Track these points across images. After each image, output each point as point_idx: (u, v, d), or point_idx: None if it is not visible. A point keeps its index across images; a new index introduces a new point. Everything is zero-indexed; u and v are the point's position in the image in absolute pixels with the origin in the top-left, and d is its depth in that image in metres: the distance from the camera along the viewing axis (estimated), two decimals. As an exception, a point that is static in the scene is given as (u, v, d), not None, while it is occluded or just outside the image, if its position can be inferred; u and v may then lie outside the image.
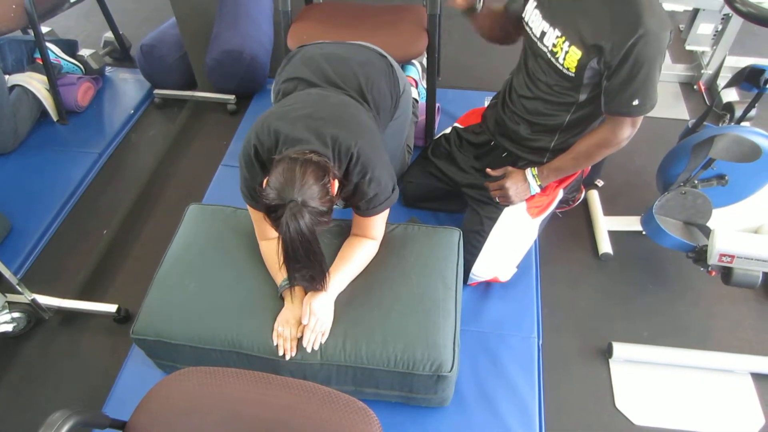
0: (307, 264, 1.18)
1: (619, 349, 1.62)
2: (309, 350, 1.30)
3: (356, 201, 1.35)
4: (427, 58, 2.02)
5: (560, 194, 1.71)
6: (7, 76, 2.31)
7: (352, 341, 1.31)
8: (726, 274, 1.53)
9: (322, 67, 1.47)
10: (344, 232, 1.48)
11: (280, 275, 1.37)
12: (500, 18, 1.63)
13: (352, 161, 1.27)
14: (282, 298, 1.36)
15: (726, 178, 1.60)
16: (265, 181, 1.18)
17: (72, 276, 1.90)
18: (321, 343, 1.31)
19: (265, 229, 1.39)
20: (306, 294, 1.34)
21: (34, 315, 1.75)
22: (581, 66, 1.35)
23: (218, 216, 1.58)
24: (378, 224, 1.42)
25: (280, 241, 1.14)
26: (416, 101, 2.15)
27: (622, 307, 1.78)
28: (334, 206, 1.23)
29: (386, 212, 1.41)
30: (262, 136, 1.28)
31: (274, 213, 1.14)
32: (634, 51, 1.25)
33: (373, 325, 1.33)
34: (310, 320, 1.29)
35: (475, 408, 1.50)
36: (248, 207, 1.42)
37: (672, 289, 1.82)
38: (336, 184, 1.23)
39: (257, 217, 1.40)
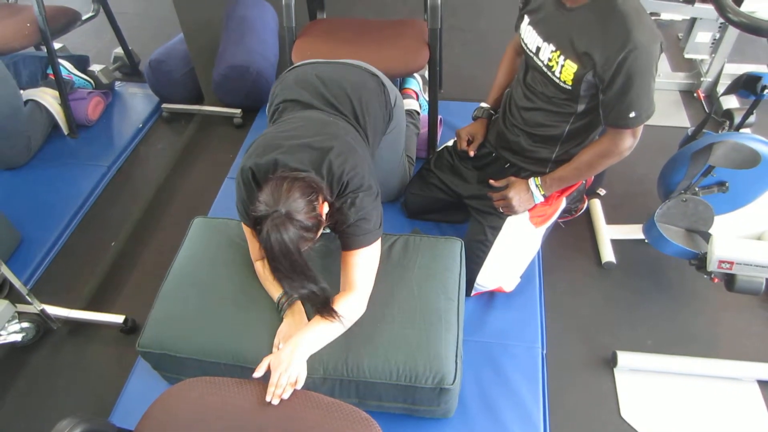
0: (292, 276, 1.17)
1: (624, 358, 1.62)
2: (275, 403, 1.13)
3: (340, 227, 1.32)
4: (429, 72, 2.04)
5: (563, 203, 1.72)
6: (21, 91, 2.36)
7: (354, 354, 1.31)
8: (729, 281, 1.53)
9: (317, 89, 1.49)
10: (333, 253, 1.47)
11: (275, 292, 1.38)
12: (515, 48, 1.71)
13: (342, 187, 1.29)
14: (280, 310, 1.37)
15: (726, 185, 1.61)
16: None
17: (80, 287, 1.93)
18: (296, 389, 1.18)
19: (258, 248, 1.40)
20: (304, 309, 1.36)
21: (42, 325, 1.78)
22: (577, 79, 1.37)
23: (223, 229, 1.60)
24: (362, 266, 1.33)
25: (263, 253, 1.15)
26: (418, 113, 2.18)
27: (626, 315, 1.78)
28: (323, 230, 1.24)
29: (373, 256, 1.36)
30: (259, 159, 1.30)
31: (259, 226, 1.15)
32: (625, 64, 1.27)
33: (374, 338, 1.33)
34: (272, 375, 1.18)
35: (479, 419, 1.50)
36: (243, 226, 1.44)
37: (676, 297, 1.82)
38: (325, 206, 1.24)
39: (252, 237, 1.42)
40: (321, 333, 1.29)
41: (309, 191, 1.18)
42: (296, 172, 1.21)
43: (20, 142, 2.28)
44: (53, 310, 1.77)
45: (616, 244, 1.93)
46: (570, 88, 1.42)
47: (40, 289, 1.92)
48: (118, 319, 1.77)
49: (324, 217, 1.23)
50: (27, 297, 1.65)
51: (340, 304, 1.29)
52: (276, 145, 1.31)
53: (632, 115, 1.35)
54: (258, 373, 1.19)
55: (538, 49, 1.47)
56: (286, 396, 1.14)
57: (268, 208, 1.13)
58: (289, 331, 1.32)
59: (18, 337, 1.71)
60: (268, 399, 1.12)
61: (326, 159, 1.28)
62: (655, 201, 1.80)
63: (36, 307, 1.69)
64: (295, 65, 1.66)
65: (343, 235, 1.33)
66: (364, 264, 1.34)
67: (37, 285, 1.95)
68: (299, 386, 1.19)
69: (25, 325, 1.73)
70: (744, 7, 1.41)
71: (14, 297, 1.67)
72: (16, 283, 1.61)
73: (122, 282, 1.96)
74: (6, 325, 1.65)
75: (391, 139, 1.72)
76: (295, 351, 1.23)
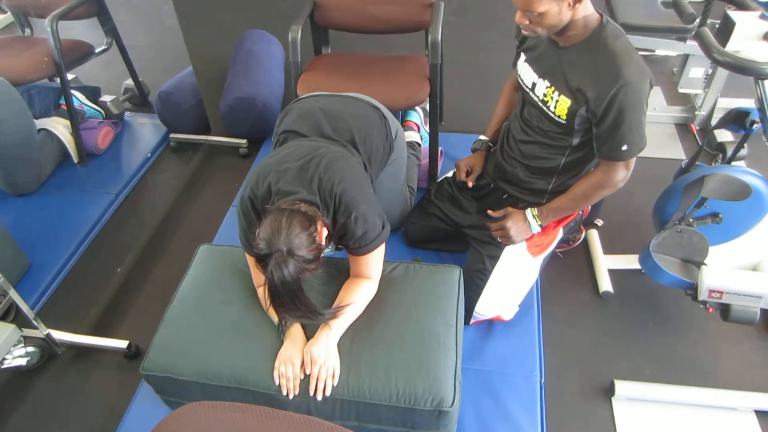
0: (293, 308, 1.23)
1: (622, 387, 1.63)
2: (320, 398, 1.30)
3: (347, 241, 1.40)
4: (430, 105, 2.11)
5: (560, 233, 1.76)
6: (34, 121, 2.44)
7: (354, 376, 1.34)
8: (724, 310, 1.56)
9: (318, 121, 1.56)
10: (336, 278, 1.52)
11: (277, 316, 1.41)
12: (513, 84, 1.79)
13: (336, 202, 1.34)
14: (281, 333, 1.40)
15: (720, 216, 1.65)
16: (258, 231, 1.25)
17: (85, 312, 1.96)
18: (333, 386, 1.32)
19: (260, 275, 1.45)
20: (304, 332, 1.39)
21: (47, 350, 1.80)
22: (571, 113, 1.43)
23: (228, 256, 1.63)
24: (373, 263, 1.45)
25: (266, 287, 1.20)
26: (419, 145, 2.24)
27: (623, 344, 1.80)
28: (327, 250, 1.30)
29: (381, 250, 1.45)
30: (256, 189, 1.37)
31: (263, 262, 1.21)
32: (616, 100, 1.33)
33: (375, 360, 1.36)
34: (312, 369, 1.31)
35: (477, 446, 1.50)
36: (246, 254, 1.49)
37: (673, 327, 1.84)
38: (324, 231, 1.30)
39: (254, 264, 1.46)
40: (343, 320, 1.39)
41: (308, 224, 1.23)
42: (292, 204, 1.26)
43: (32, 169, 2.34)
44: (58, 335, 1.79)
45: (614, 274, 1.96)
46: (564, 122, 1.47)
47: (46, 314, 1.95)
48: (122, 344, 1.79)
49: (324, 242, 1.29)
50: (33, 321, 1.68)
51: (356, 289, 1.42)
52: (268, 171, 1.38)
53: (624, 148, 1.40)
54: (306, 370, 1.31)
55: (534, 84, 1.53)
56: (328, 392, 1.30)
57: (269, 247, 1.18)
58: (290, 353, 1.35)
59: (23, 362, 1.74)
60: (311, 393, 1.29)
61: (315, 175, 1.34)
62: (652, 231, 1.84)
63: (42, 331, 1.72)
64: (301, 98, 1.73)
65: (353, 248, 1.40)
66: (375, 260, 1.44)
67: (43, 310, 1.98)
68: (336, 380, 1.31)
69: (30, 349, 1.75)
70: (729, 47, 1.48)
71: (20, 321, 1.71)
72: (24, 307, 1.64)
73: (127, 307, 1.99)
74: (11, 349, 1.68)
75: (392, 170, 1.78)
76: (329, 341, 1.34)
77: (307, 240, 1.21)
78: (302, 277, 1.21)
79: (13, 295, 1.61)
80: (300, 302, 1.22)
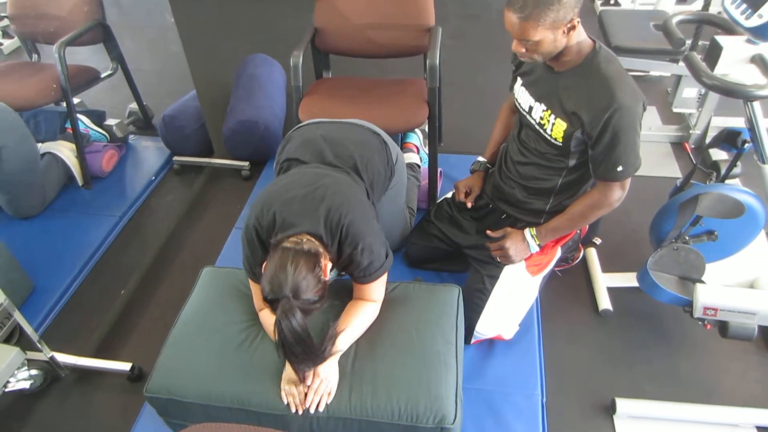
0: (304, 358, 1.26)
1: (623, 405, 1.64)
2: (312, 411, 1.33)
3: (352, 270, 1.43)
4: (429, 127, 2.15)
5: (558, 252, 1.78)
6: (39, 144, 2.48)
7: (357, 394, 1.35)
8: (722, 327, 1.57)
9: (320, 149, 1.59)
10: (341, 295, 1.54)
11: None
12: (510, 107, 1.83)
13: (342, 234, 1.37)
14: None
15: (715, 233, 1.67)
16: (263, 265, 1.29)
17: (89, 334, 1.97)
18: (327, 404, 1.34)
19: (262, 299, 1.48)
20: None
21: (51, 372, 1.81)
22: (567, 136, 1.47)
23: (231, 279, 1.65)
24: (376, 288, 1.47)
25: (276, 335, 1.22)
26: (418, 166, 2.28)
27: (624, 362, 1.81)
28: (331, 275, 1.33)
29: (384, 277, 1.47)
30: (261, 218, 1.39)
31: (270, 304, 1.25)
32: (611, 123, 1.37)
33: (377, 378, 1.37)
34: (314, 382, 1.34)
35: (479, 466, 1.51)
36: (249, 279, 1.51)
37: (673, 344, 1.85)
38: (329, 265, 1.33)
39: (256, 289, 1.48)
40: (345, 341, 1.41)
41: (313, 263, 1.26)
42: (297, 242, 1.29)
43: (36, 193, 2.38)
44: (62, 358, 1.81)
45: (613, 292, 1.98)
46: (561, 144, 1.51)
47: (50, 336, 1.96)
48: (125, 366, 1.81)
49: (328, 277, 1.32)
50: (38, 344, 1.69)
51: (359, 311, 1.45)
52: (272, 200, 1.41)
53: (620, 169, 1.44)
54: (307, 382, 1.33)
55: (531, 108, 1.57)
56: (321, 408, 1.32)
57: (276, 293, 1.22)
58: (294, 374, 1.36)
59: (26, 385, 1.75)
60: (306, 405, 1.32)
61: (320, 206, 1.37)
62: (649, 249, 1.86)
63: (46, 354, 1.73)
64: (301, 125, 1.77)
65: (358, 276, 1.43)
66: (378, 285, 1.47)
67: (47, 332, 1.99)
68: (331, 398, 1.34)
69: (34, 372, 1.76)
70: (717, 71, 1.52)
71: (24, 344, 1.72)
72: (28, 330, 1.66)
73: (131, 329, 2.01)
74: (15, 372, 1.69)
75: (393, 193, 1.81)
76: (331, 360, 1.36)
77: (313, 281, 1.24)
78: (309, 316, 1.24)
79: (18, 317, 1.63)
80: (310, 350, 1.25)
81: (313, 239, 1.33)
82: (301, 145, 1.64)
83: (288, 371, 1.38)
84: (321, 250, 1.32)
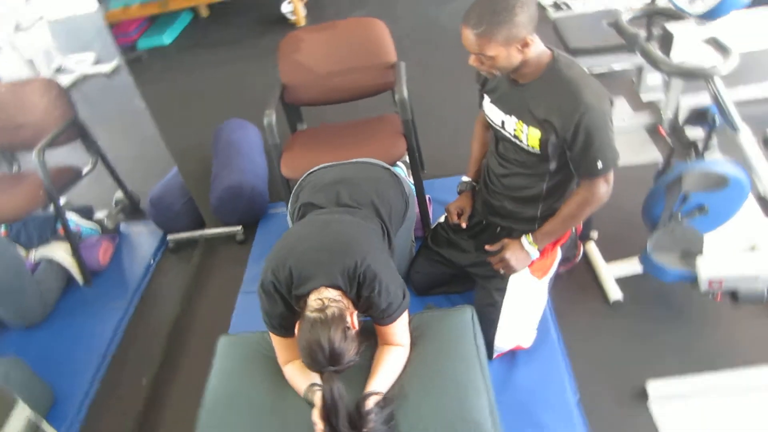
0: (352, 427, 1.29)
1: (655, 387, 1.64)
2: None
3: (372, 312, 1.45)
4: (409, 157, 2.20)
5: (558, 253, 1.82)
6: (33, 251, 2.50)
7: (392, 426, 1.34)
8: (732, 295, 1.60)
9: (336, 191, 1.63)
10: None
11: (303, 385, 1.44)
12: (483, 123, 1.87)
13: (360, 279, 1.39)
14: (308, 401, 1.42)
15: (705, 207, 1.71)
16: (296, 328, 1.34)
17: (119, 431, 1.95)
18: None
19: (287, 354, 1.50)
20: None
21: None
22: (543, 143, 1.52)
23: (248, 343, 1.65)
24: (400, 330, 1.49)
25: (322, 405, 1.29)
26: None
27: (646, 346, 1.82)
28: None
29: (405, 317, 1.49)
30: (277, 272, 1.41)
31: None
32: (581, 125, 1.42)
33: (409, 417, 1.37)
34: None
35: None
36: (271, 334, 1.52)
37: (689, 319, 1.87)
38: (354, 314, 1.37)
39: (279, 344, 1.50)
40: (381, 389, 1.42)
41: (343, 327, 1.30)
42: (321, 309, 1.32)
43: (32, 299, 2.36)
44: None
45: (620, 281, 2.00)
46: (539, 151, 1.56)
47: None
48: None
49: (357, 327, 1.36)
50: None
51: (389, 358, 1.46)
52: (287, 254, 1.43)
53: (600, 165, 1.48)
54: None
55: (503, 122, 1.63)
56: None
57: (319, 367, 1.29)
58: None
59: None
60: None
61: (335, 256, 1.39)
62: (645, 233, 1.90)
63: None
64: (313, 170, 1.81)
65: (378, 318, 1.45)
66: (401, 327, 1.48)
67: (76, 438, 1.97)
68: None
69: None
70: (674, 57, 1.59)
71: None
72: (57, 440, 1.64)
73: (159, 417, 1.99)
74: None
75: (408, 224, 1.85)
76: None
77: (347, 345, 1.29)
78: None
79: (47, 428, 1.61)
80: (352, 417, 1.29)
81: (332, 291, 1.36)
82: (315, 190, 1.67)
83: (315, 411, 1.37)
84: (343, 304, 1.35)
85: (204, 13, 4.57)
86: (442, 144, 2.92)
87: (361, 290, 1.40)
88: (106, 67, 4.10)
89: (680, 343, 1.80)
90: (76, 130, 2.65)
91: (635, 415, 1.65)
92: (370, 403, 1.34)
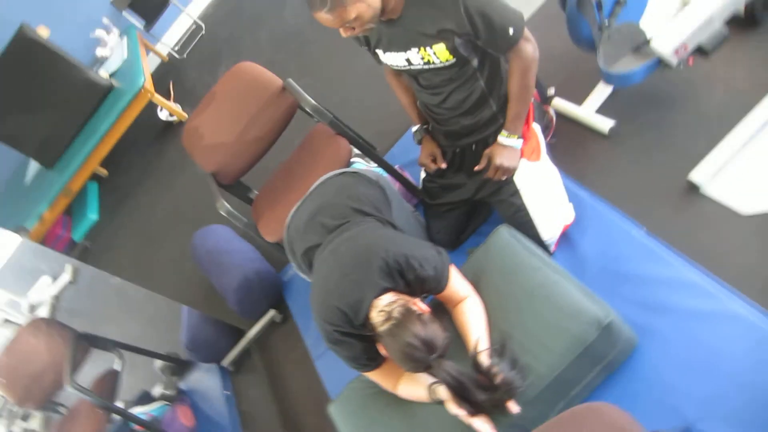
0: (481, 392, 1.29)
1: (698, 174, 1.63)
2: (516, 410, 1.31)
3: (427, 287, 1.44)
4: (357, 148, 2.18)
5: (537, 128, 1.80)
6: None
7: (520, 372, 1.33)
8: (701, 51, 1.58)
9: (318, 223, 1.62)
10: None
11: (423, 389, 1.42)
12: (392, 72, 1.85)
13: (396, 269, 1.39)
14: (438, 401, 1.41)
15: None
16: (381, 350, 1.36)
17: None
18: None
19: (390, 379, 1.50)
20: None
21: None
22: (453, 50, 1.50)
23: (354, 394, 1.64)
24: (458, 283, 1.50)
25: (451, 393, 1.31)
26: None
27: (663, 148, 1.82)
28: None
29: (454, 270, 1.50)
30: (330, 319, 1.41)
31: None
32: (470, 10, 1.41)
33: (524, 347, 1.37)
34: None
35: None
36: (365, 374, 1.52)
37: (684, 98, 1.86)
38: (417, 301, 1.37)
39: (379, 375, 1.50)
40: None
41: (415, 319, 1.31)
42: (387, 318, 1.33)
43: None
44: None
45: (601, 111, 1.98)
46: (455, 60, 1.54)
47: None
48: None
49: (426, 309, 1.37)
50: None
51: (468, 312, 1.47)
52: (324, 300, 1.44)
53: (511, 31, 1.47)
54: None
55: (408, 59, 1.60)
56: (517, 408, 1.31)
57: (424, 365, 1.30)
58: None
59: None
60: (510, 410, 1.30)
61: (362, 270, 1.40)
62: (591, 56, 1.87)
63: None
64: (288, 219, 1.79)
65: (436, 288, 1.46)
66: (457, 281, 1.49)
67: None
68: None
69: None
70: None
71: None
72: None
73: None
74: None
75: (396, 203, 1.82)
76: None
77: (431, 328, 1.30)
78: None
79: None
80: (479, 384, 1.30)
81: (385, 297, 1.36)
82: (301, 234, 1.67)
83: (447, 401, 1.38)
84: (402, 300, 1.35)
85: (103, 173, 4.58)
86: (373, 116, 2.88)
87: (405, 276, 1.40)
88: (66, 277, 4.05)
89: (690, 123, 1.79)
90: (85, 343, 2.63)
91: (699, 210, 1.64)
92: (485, 359, 1.33)
